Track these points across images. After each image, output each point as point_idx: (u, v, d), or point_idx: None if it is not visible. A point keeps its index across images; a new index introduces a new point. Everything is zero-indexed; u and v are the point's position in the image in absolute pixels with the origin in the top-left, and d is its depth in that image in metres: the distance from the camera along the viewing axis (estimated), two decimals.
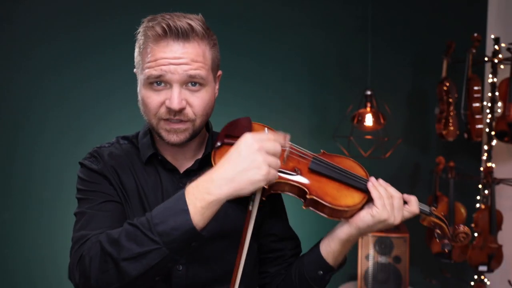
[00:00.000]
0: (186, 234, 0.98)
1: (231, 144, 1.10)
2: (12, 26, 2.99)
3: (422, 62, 3.43)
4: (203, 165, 1.28)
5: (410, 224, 3.16)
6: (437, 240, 1.31)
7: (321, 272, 1.28)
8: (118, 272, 1.01)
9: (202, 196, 1.00)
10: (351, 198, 1.23)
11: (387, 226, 1.23)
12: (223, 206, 1.04)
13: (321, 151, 1.35)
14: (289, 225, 1.46)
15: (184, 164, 1.30)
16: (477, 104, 2.98)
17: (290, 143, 1.31)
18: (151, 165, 1.28)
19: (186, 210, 0.99)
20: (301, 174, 1.24)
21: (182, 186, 1.17)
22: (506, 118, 2.87)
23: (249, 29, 3.24)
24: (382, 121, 2.94)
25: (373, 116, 2.94)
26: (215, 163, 1.19)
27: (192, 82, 1.17)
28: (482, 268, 2.93)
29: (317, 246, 1.32)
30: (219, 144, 1.24)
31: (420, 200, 1.33)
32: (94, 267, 1.03)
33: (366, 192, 1.24)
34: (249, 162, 1.01)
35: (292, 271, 1.35)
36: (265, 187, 1.19)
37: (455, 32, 3.27)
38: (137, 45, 1.23)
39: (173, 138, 1.20)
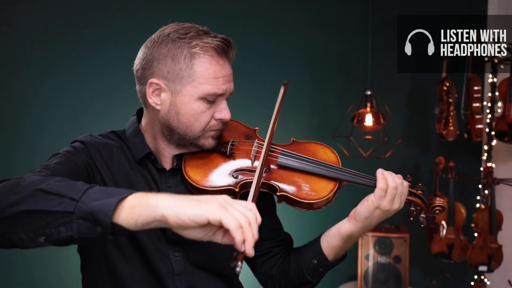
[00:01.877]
0: (102, 211, 0.90)
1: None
2: (12, 26, 2.98)
3: (422, 62, 3.43)
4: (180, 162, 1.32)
5: (410, 224, 3.17)
6: (412, 218, 1.30)
7: (316, 261, 1.32)
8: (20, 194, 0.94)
9: (147, 197, 0.93)
10: (321, 189, 1.25)
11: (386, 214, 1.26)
12: None
13: (291, 139, 1.37)
14: (274, 219, 1.48)
15: (166, 165, 1.34)
16: (477, 104, 2.98)
17: (258, 137, 1.33)
18: (142, 164, 1.31)
19: (122, 197, 0.92)
20: (270, 171, 1.25)
21: (170, 185, 1.29)
22: (506, 118, 2.86)
23: (249, 29, 3.24)
24: (382, 121, 2.94)
25: (373, 116, 2.94)
26: (185, 172, 1.26)
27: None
28: (482, 268, 2.92)
29: (317, 240, 1.34)
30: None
31: None
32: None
33: (336, 180, 1.27)
34: (205, 199, 0.93)
35: (291, 263, 1.38)
36: (235, 189, 1.23)
37: None
38: (184, 55, 1.21)
39: (214, 142, 1.29)
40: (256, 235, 0.91)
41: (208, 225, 0.91)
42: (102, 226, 0.90)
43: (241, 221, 0.90)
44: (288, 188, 1.24)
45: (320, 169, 1.26)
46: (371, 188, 1.27)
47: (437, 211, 1.28)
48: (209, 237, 0.95)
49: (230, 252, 0.92)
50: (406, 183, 1.26)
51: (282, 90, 1.39)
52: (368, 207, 1.24)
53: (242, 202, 0.94)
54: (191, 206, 0.90)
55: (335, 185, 1.26)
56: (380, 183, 1.23)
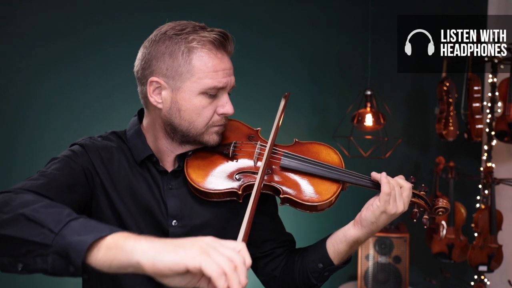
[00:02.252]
0: (76, 249, 0.84)
1: (203, 151, 1.25)
2: (12, 26, 2.99)
3: (422, 62, 3.43)
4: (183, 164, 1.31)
5: (410, 224, 3.16)
6: (415, 219, 1.29)
7: (321, 265, 1.31)
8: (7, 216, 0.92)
9: (124, 239, 0.84)
10: (325, 191, 1.25)
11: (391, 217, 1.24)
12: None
13: (294, 140, 1.36)
14: (276, 220, 1.47)
15: (167, 166, 1.33)
16: (477, 104, 2.97)
17: (261, 138, 1.33)
18: (143, 166, 1.30)
19: (100, 236, 0.84)
20: (273, 173, 1.25)
21: (171, 187, 1.28)
22: (506, 118, 2.86)
23: (249, 29, 3.24)
24: (382, 121, 2.94)
25: (373, 116, 2.93)
26: (187, 173, 1.26)
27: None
28: (482, 268, 2.92)
29: (323, 244, 1.33)
30: (190, 152, 1.30)
31: None
32: None
33: (339, 181, 1.26)
34: (185, 243, 0.83)
35: (295, 266, 1.37)
36: (238, 192, 1.22)
37: None
38: (182, 50, 1.21)
39: (218, 138, 1.28)
40: (244, 280, 0.79)
41: (188, 272, 0.80)
42: (74, 266, 0.84)
43: (225, 267, 0.78)
44: (291, 191, 1.23)
45: (324, 171, 1.25)
46: (374, 190, 1.27)
47: (440, 213, 1.27)
48: (193, 285, 0.83)
49: None
50: (409, 184, 1.25)
51: (282, 102, 1.38)
52: (374, 213, 1.23)
53: (229, 243, 0.83)
54: (167, 252, 0.80)
55: (338, 187, 1.25)
56: (384, 188, 1.22)
